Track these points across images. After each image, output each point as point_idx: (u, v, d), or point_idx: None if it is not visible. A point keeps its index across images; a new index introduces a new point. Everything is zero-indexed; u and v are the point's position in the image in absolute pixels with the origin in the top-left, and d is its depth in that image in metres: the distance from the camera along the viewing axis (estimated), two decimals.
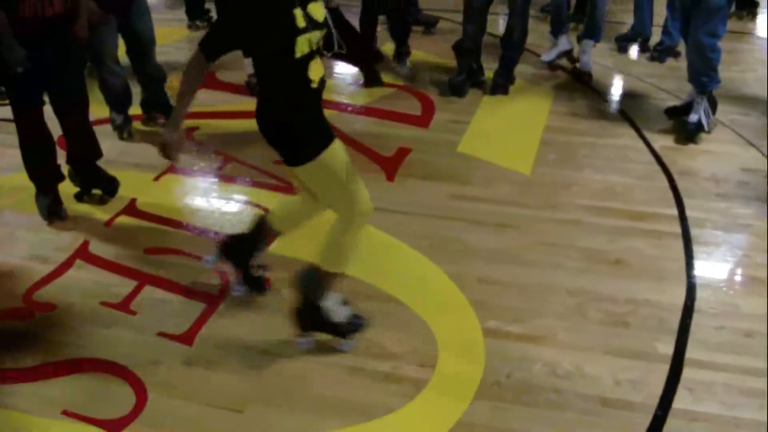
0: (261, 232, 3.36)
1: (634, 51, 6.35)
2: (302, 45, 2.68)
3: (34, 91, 3.72)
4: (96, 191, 4.23)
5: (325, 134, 2.90)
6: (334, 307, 3.13)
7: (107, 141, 4.40)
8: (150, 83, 4.94)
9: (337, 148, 2.88)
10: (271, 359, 3.12)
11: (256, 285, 3.49)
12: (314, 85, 2.80)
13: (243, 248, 3.41)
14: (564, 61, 5.99)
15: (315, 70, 2.78)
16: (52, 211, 4.01)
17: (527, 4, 5.34)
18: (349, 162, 2.93)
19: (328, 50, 2.86)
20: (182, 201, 4.33)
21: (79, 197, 4.21)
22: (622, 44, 6.37)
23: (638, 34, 6.31)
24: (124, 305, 3.45)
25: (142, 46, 4.74)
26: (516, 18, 5.36)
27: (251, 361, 3.12)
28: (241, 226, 3.94)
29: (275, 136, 2.87)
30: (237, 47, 2.86)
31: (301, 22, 2.66)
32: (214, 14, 7.14)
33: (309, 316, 3.13)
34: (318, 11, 2.73)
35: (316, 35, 2.73)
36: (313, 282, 3.07)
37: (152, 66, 4.88)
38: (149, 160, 4.63)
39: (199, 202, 4.29)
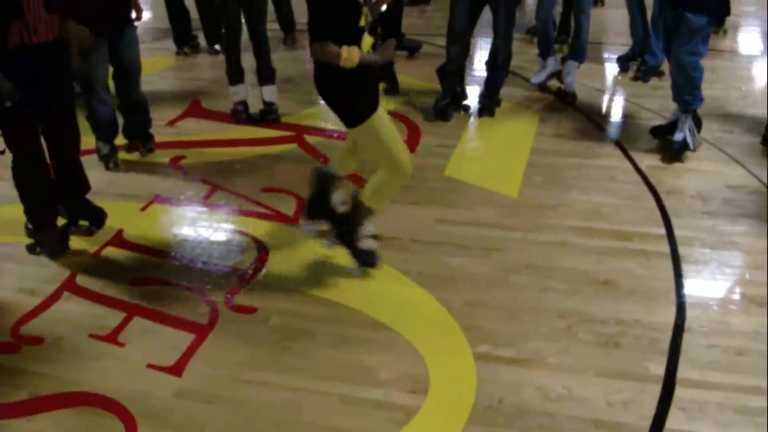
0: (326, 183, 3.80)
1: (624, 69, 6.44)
2: (364, 17, 3.29)
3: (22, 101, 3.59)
4: (83, 222, 4.20)
5: (373, 101, 3.40)
6: (366, 235, 3.77)
7: (93, 171, 4.38)
8: (133, 110, 4.95)
9: (382, 114, 3.40)
10: (262, 389, 3.10)
11: (365, 257, 3.80)
12: (366, 49, 3.34)
13: (319, 204, 3.84)
14: (552, 82, 6.02)
15: (365, 42, 3.32)
16: (57, 248, 3.99)
17: (511, 27, 5.38)
18: (393, 127, 3.46)
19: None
20: (169, 231, 4.30)
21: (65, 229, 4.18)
22: (623, 64, 6.44)
23: (637, 53, 6.37)
24: (113, 337, 3.42)
25: (129, 73, 4.75)
26: (500, 41, 5.39)
27: (241, 391, 3.09)
28: (229, 255, 3.96)
29: (334, 101, 3.42)
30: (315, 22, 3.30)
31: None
32: (201, 41, 7.17)
33: (342, 232, 3.77)
34: None
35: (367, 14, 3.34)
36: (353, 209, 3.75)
37: (137, 93, 4.89)
38: (135, 190, 4.63)
39: (186, 231, 4.27)
